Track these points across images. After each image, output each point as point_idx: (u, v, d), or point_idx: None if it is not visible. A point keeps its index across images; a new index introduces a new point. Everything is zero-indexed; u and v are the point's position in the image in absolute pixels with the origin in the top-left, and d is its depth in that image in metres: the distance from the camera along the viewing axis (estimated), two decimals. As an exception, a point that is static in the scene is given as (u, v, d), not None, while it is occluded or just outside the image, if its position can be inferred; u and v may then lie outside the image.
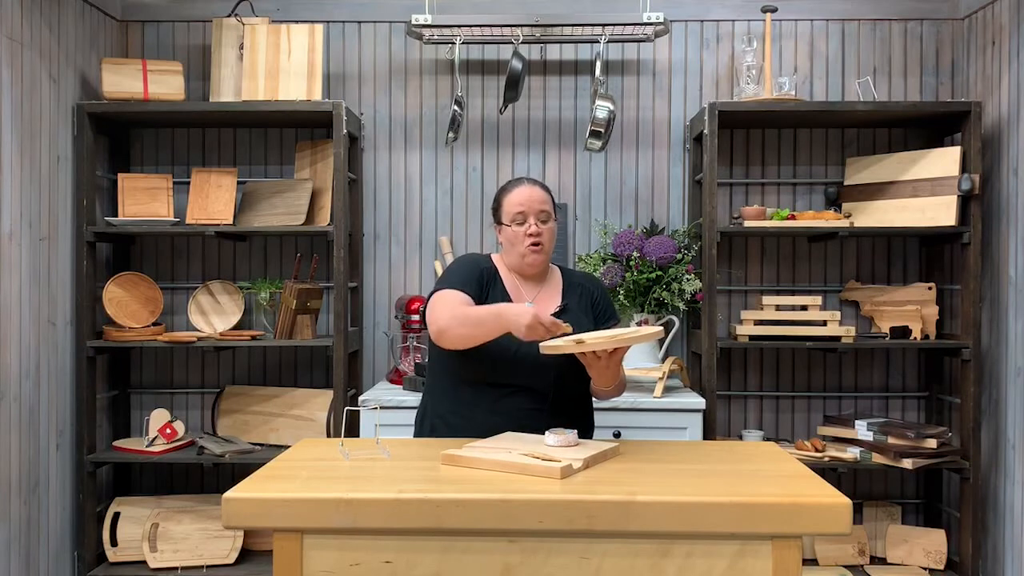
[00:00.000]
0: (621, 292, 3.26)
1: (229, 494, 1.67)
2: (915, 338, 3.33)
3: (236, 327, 3.46)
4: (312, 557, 1.68)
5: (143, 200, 3.38)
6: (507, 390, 2.24)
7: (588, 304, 2.39)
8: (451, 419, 2.29)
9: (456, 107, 3.30)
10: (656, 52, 3.58)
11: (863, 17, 3.55)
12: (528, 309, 2.01)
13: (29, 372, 2.97)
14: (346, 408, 2.44)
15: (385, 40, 3.62)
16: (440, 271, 3.53)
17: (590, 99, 3.40)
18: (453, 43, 3.41)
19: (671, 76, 3.58)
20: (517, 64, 3.28)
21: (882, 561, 3.36)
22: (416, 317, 3.36)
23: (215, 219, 3.36)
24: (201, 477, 3.63)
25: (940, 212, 3.22)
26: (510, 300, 2.30)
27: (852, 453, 3.18)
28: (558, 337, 2.03)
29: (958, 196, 3.18)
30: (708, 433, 3.10)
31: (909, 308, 3.39)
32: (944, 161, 3.24)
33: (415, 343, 3.38)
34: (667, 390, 3.17)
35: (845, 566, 3.28)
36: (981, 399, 3.24)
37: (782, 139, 3.58)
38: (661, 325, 2.77)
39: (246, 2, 3.51)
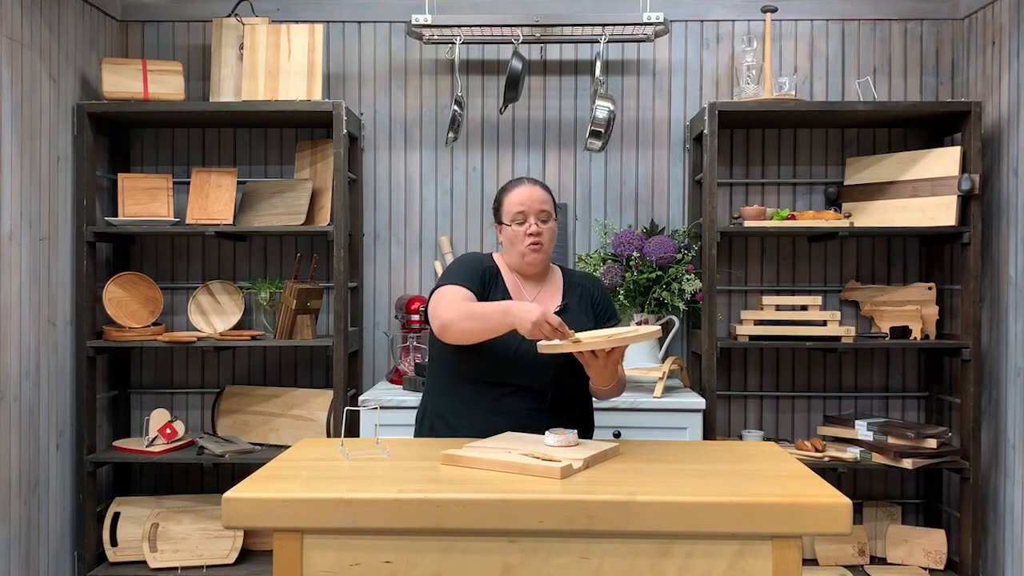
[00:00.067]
0: (621, 292, 3.26)
1: (229, 494, 1.67)
2: (915, 338, 3.33)
3: (236, 327, 3.46)
4: (312, 557, 1.68)
5: (143, 200, 3.38)
6: (507, 389, 2.24)
7: (588, 304, 2.39)
8: (451, 419, 2.29)
9: (456, 107, 3.30)
10: (656, 52, 3.58)
11: (863, 17, 3.55)
12: (536, 307, 2.02)
13: (29, 372, 2.97)
14: (346, 408, 2.44)
15: (385, 40, 3.62)
16: (440, 271, 3.53)
17: (590, 99, 3.40)
18: (453, 43, 3.41)
19: (671, 76, 3.58)
20: (517, 64, 3.28)
21: (882, 561, 3.37)
22: (416, 317, 3.36)
23: (215, 219, 3.36)
24: (201, 477, 3.63)
25: (940, 212, 3.22)
26: (511, 299, 2.30)
27: (852, 453, 3.18)
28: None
29: (958, 196, 3.18)
30: (708, 433, 3.10)
31: (909, 308, 3.39)
32: (944, 161, 3.24)
33: (415, 343, 3.38)
34: (667, 390, 3.17)
35: (845, 566, 3.28)
36: (981, 399, 3.24)
37: (782, 139, 3.58)
38: (660, 325, 2.77)
39: (246, 2, 3.51)
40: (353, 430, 3.16)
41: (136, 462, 3.34)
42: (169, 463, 3.49)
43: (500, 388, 2.24)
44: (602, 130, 3.25)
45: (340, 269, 3.24)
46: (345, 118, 3.25)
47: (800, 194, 3.58)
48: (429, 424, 2.35)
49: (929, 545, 3.31)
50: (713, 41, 3.58)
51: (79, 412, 3.24)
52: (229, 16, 3.46)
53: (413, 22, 3.30)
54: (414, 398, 3.02)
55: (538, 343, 2.02)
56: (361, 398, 3.11)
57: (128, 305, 3.36)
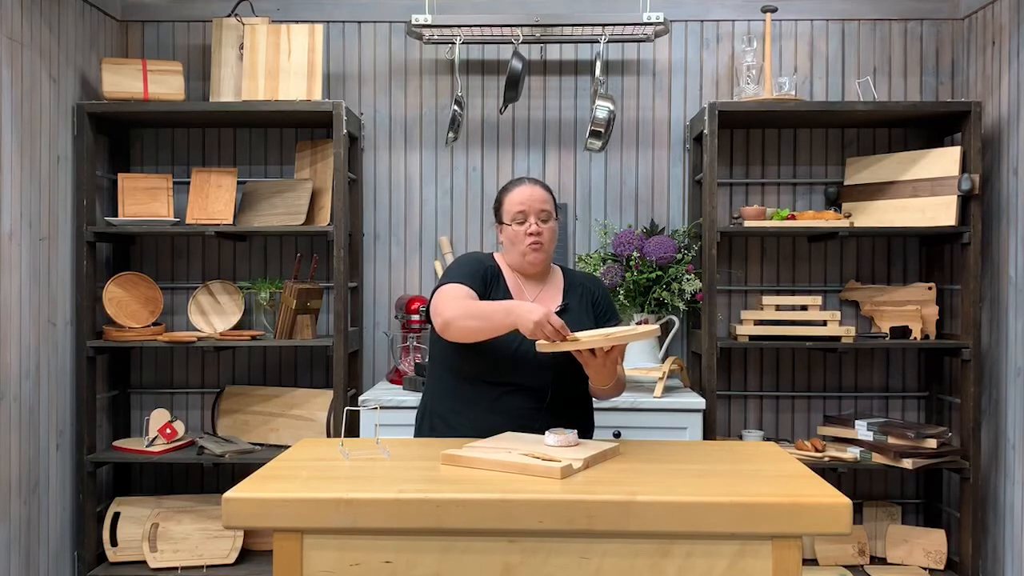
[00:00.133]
0: (621, 292, 3.26)
1: (229, 494, 1.67)
2: (915, 338, 3.33)
3: (236, 327, 3.46)
4: (312, 557, 1.68)
5: (143, 200, 3.38)
6: (506, 388, 2.24)
7: (589, 304, 2.39)
8: (451, 418, 2.29)
9: (456, 107, 3.30)
10: (656, 52, 3.58)
11: (863, 17, 3.55)
12: (540, 307, 2.02)
13: (29, 372, 2.97)
14: (346, 408, 2.44)
15: (385, 40, 3.62)
16: (440, 271, 3.53)
17: (590, 99, 3.40)
18: (453, 43, 3.41)
19: (671, 76, 3.58)
20: (517, 64, 3.28)
21: (882, 561, 3.37)
22: (416, 317, 3.36)
23: (215, 219, 3.36)
24: (201, 477, 3.63)
25: (940, 212, 3.22)
26: (512, 299, 2.30)
27: (852, 453, 3.18)
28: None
29: (958, 196, 3.18)
30: (708, 433, 3.10)
31: (909, 308, 3.39)
32: (944, 161, 3.24)
33: (415, 343, 3.38)
34: (667, 390, 3.17)
35: (845, 566, 3.28)
36: (981, 399, 3.24)
37: (782, 139, 3.58)
38: (660, 325, 2.77)
39: (246, 2, 3.51)
40: (353, 430, 3.16)
41: (136, 462, 3.34)
42: (169, 463, 3.49)
43: (500, 387, 2.24)
44: (602, 130, 3.25)
45: (340, 269, 3.24)
46: (345, 118, 3.25)
47: (800, 194, 3.58)
48: (429, 424, 2.35)
49: (929, 545, 3.31)
50: (713, 41, 3.58)
51: (79, 412, 3.24)
52: (229, 16, 3.46)
53: (413, 22, 3.30)
54: (414, 398, 3.02)
55: (537, 342, 2.02)
56: (361, 398, 3.11)
57: (128, 305, 3.36)
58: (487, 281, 2.30)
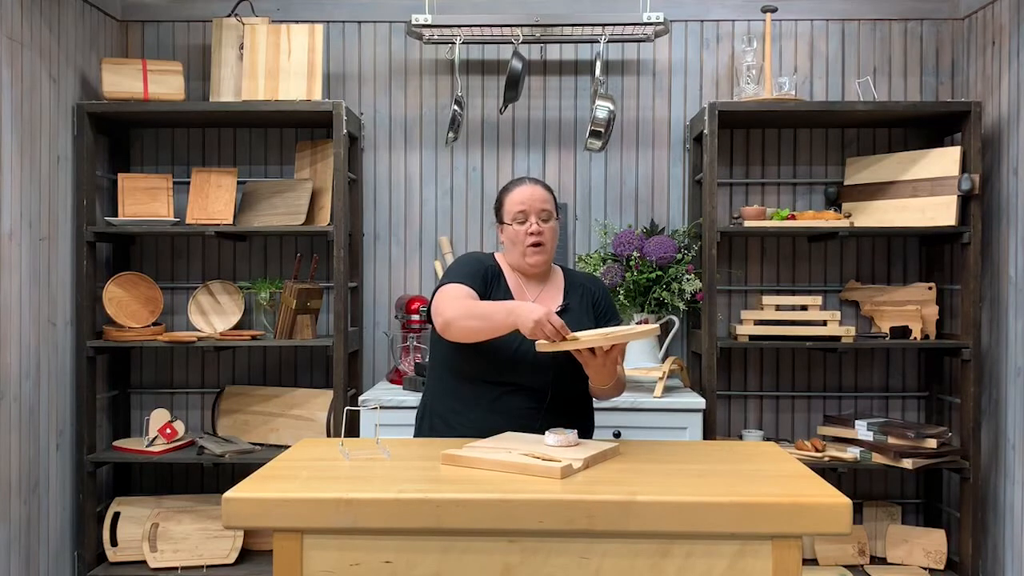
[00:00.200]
0: (621, 292, 3.26)
1: (229, 494, 1.67)
2: (915, 338, 3.33)
3: (236, 327, 3.46)
4: (312, 557, 1.68)
5: (143, 200, 3.38)
6: (506, 388, 2.24)
7: (589, 304, 2.39)
8: (451, 418, 2.29)
9: (456, 107, 3.30)
10: (656, 52, 3.58)
11: (863, 17, 3.55)
12: (541, 307, 2.02)
13: (29, 372, 2.97)
14: (346, 408, 2.44)
15: (385, 40, 3.62)
16: (440, 271, 3.54)
17: (590, 99, 3.40)
18: (453, 43, 3.41)
19: (671, 76, 3.58)
20: (517, 64, 3.28)
21: (882, 561, 3.37)
22: (416, 317, 3.36)
23: (215, 219, 3.36)
24: (201, 477, 3.63)
25: (940, 212, 3.22)
26: (513, 299, 2.30)
27: (852, 453, 3.18)
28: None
29: (958, 196, 3.18)
30: (708, 433, 3.10)
31: (909, 308, 3.39)
32: (944, 161, 3.24)
33: (415, 343, 3.38)
34: (667, 390, 3.17)
35: (845, 566, 3.28)
36: (981, 399, 3.24)
37: (782, 139, 3.58)
38: (660, 325, 2.77)
39: (246, 2, 3.51)
40: (353, 430, 3.16)
41: (136, 462, 3.34)
42: (169, 463, 3.49)
43: (500, 387, 2.24)
44: (602, 130, 3.25)
45: (340, 269, 3.24)
46: (345, 118, 3.25)
47: (800, 194, 3.58)
48: (429, 423, 2.35)
49: (929, 545, 3.31)
50: (713, 41, 3.58)
51: (79, 412, 3.24)
52: (229, 16, 3.46)
53: (413, 22, 3.30)
54: (414, 398, 3.02)
55: (536, 341, 2.02)
56: (361, 398, 3.11)
57: (128, 305, 3.36)
58: (488, 281, 2.30)
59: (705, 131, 3.22)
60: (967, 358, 3.18)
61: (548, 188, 2.36)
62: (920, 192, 3.28)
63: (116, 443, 3.38)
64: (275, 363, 3.64)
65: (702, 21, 3.58)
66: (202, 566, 3.28)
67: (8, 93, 2.85)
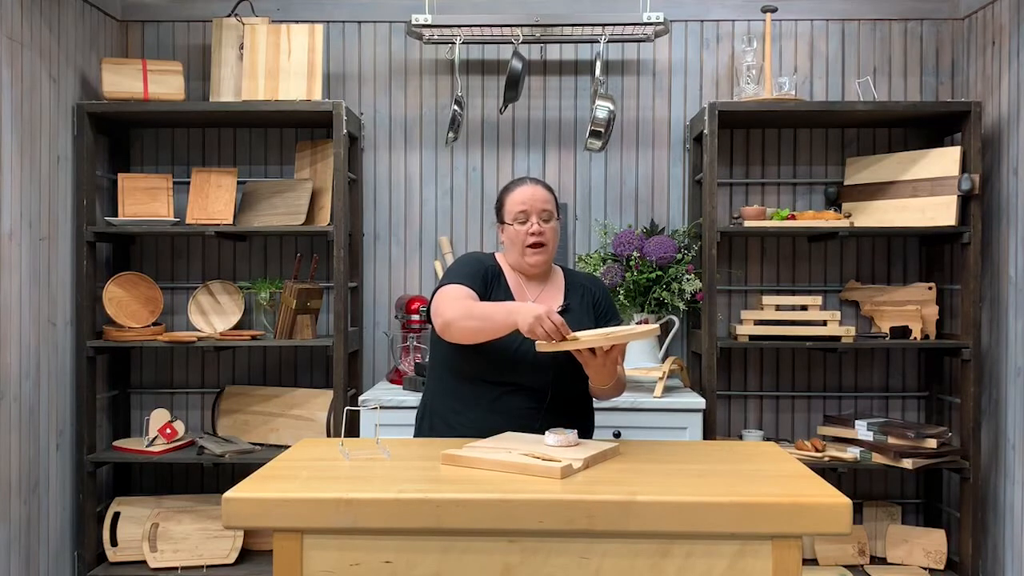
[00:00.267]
0: (621, 292, 3.26)
1: (229, 494, 1.67)
2: (915, 338, 3.33)
3: (236, 327, 3.46)
4: (312, 557, 1.68)
5: (143, 200, 3.38)
6: (506, 388, 2.24)
7: (590, 304, 2.39)
8: (451, 418, 2.29)
9: (456, 107, 3.30)
10: (656, 52, 3.58)
11: (863, 17, 3.55)
12: (540, 306, 2.02)
13: (29, 372, 2.97)
14: (346, 408, 2.44)
15: (385, 40, 3.62)
16: (440, 271, 3.54)
17: (590, 99, 3.40)
18: (453, 43, 3.41)
19: (671, 76, 3.58)
20: (517, 64, 3.28)
21: (882, 561, 3.37)
22: (416, 317, 3.36)
23: (215, 219, 3.36)
24: (201, 477, 3.63)
25: (940, 212, 3.22)
26: (513, 299, 2.30)
27: (852, 453, 3.18)
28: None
29: (958, 196, 3.18)
30: (708, 433, 3.10)
31: (909, 308, 3.39)
32: (944, 161, 3.24)
33: (415, 343, 3.38)
34: (667, 390, 3.17)
35: (845, 566, 3.28)
36: (981, 399, 3.24)
37: (782, 139, 3.58)
38: (660, 325, 2.77)
39: (246, 2, 3.51)
40: (353, 430, 3.16)
41: (136, 462, 3.34)
42: (169, 463, 3.49)
43: (500, 387, 2.24)
44: (602, 130, 3.25)
45: (340, 269, 3.24)
46: (345, 118, 3.25)
47: (800, 194, 3.58)
48: (429, 423, 2.35)
49: (929, 545, 3.31)
50: (713, 41, 3.58)
51: (79, 412, 3.24)
52: (229, 16, 3.46)
53: (413, 22, 3.30)
54: (414, 398, 3.02)
55: (536, 341, 2.02)
56: (361, 398, 3.11)
57: (128, 305, 3.36)
58: (488, 281, 2.30)
59: (705, 131, 3.22)
60: (967, 358, 3.18)
61: (549, 188, 2.36)
62: (920, 192, 3.28)
63: (116, 443, 3.38)
64: (275, 363, 3.64)
65: (702, 21, 3.58)
66: (202, 566, 3.28)
67: (8, 93, 2.86)
